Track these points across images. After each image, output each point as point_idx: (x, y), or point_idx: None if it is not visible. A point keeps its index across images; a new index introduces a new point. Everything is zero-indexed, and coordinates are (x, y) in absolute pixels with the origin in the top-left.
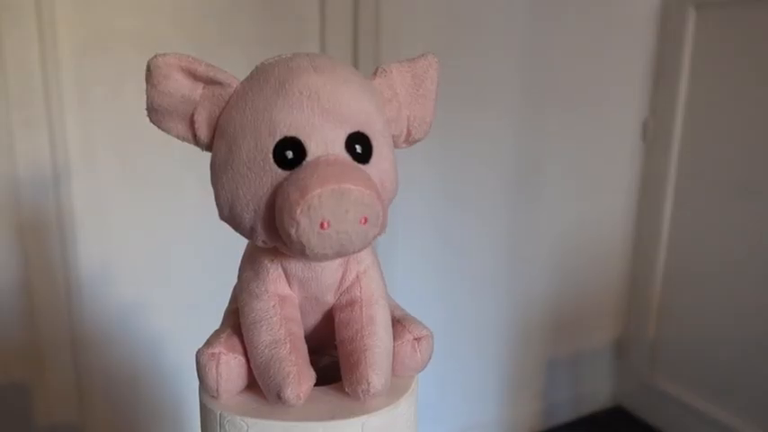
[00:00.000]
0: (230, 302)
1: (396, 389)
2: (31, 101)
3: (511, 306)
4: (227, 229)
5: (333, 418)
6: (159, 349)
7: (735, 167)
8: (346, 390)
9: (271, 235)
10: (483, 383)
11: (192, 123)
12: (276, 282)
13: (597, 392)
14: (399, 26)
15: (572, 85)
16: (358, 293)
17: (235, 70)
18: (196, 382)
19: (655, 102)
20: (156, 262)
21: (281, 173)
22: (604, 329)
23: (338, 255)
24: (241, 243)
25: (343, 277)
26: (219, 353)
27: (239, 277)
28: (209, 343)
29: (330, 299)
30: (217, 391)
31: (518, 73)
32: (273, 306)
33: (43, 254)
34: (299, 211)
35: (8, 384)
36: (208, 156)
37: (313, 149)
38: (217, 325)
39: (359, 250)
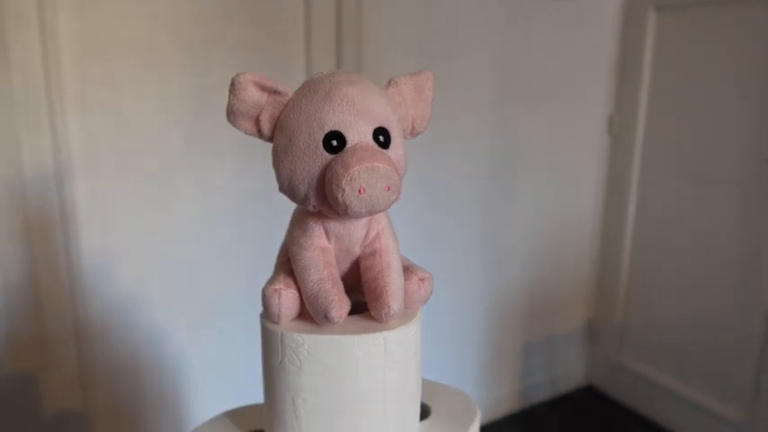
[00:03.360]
0: (279, 257)
1: (407, 315)
2: (34, 105)
3: (488, 294)
4: (222, 225)
5: (365, 332)
6: (160, 340)
7: (694, 159)
8: (372, 314)
9: (320, 201)
10: (462, 367)
11: (257, 122)
12: (319, 237)
13: (570, 374)
14: (380, 31)
15: (542, 84)
16: (378, 246)
17: (225, 72)
18: (197, 370)
19: (619, 98)
20: (155, 257)
21: (328, 156)
22: (576, 314)
23: (369, 213)
24: (236, 239)
25: (367, 233)
26: (280, 288)
27: (289, 235)
28: (270, 282)
29: (357, 250)
30: (278, 317)
31: (491, 74)
32: (318, 254)
33: (48, 250)
34: (344, 182)
35: (15, 375)
36: (202, 157)
37: (351, 139)
38: (214, 317)
39: (384, 210)
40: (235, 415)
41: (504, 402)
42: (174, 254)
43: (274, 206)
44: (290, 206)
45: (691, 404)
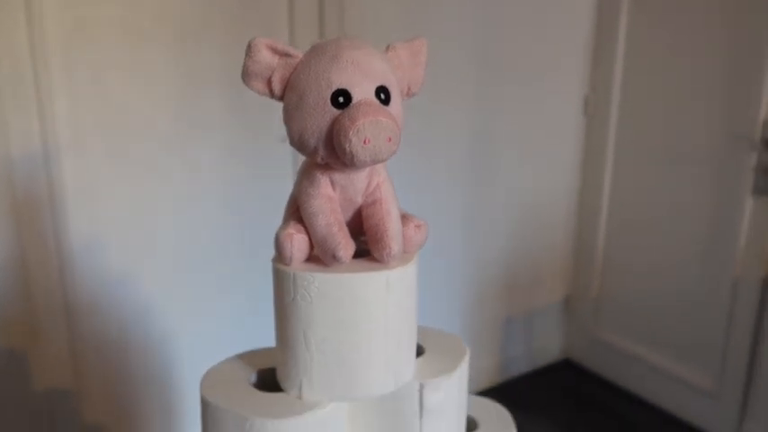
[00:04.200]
0: (288, 208)
1: (405, 258)
2: (20, 85)
3: (468, 270)
4: (210, 205)
5: (368, 271)
6: (148, 316)
7: (667, 137)
8: (375, 256)
9: (328, 152)
10: None
11: (269, 83)
12: (326, 187)
13: (548, 347)
14: (362, 12)
15: (518, 66)
16: (379, 195)
17: (211, 53)
18: (184, 347)
19: (594, 79)
20: (144, 236)
21: (335, 111)
22: (553, 290)
23: (373, 162)
24: (223, 219)
25: (368, 184)
26: (292, 233)
27: (298, 187)
28: (283, 228)
29: (360, 200)
30: (291, 258)
31: (468, 56)
32: (325, 202)
33: (37, 228)
34: (351, 133)
35: (6, 352)
36: (190, 139)
37: (356, 96)
38: (202, 296)
39: (386, 159)
40: (245, 356)
41: (484, 375)
42: (162, 234)
43: (261, 187)
44: (276, 189)
45: (663, 373)
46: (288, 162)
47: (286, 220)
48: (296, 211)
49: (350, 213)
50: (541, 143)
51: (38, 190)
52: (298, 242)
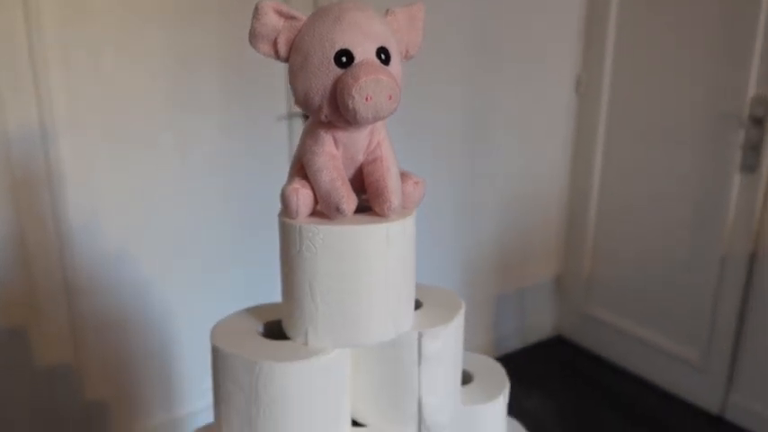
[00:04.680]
0: (292, 166)
1: (404, 213)
2: (18, 65)
3: (461, 249)
4: (207, 182)
5: (370, 224)
6: (147, 294)
7: (657, 116)
8: (376, 211)
9: (331, 109)
10: None
11: (275, 45)
12: (329, 145)
13: (540, 324)
14: None
15: (511, 45)
16: (379, 153)
17: (206, 31)
18: (183, 324)
19: (586, 59)
20: (142, 213)
21: (338, 71)
22: (545, 267)
23: (374, 118)
24: (221, 195)
25: (369, 142)
26: (298, 188)
27: (302, 145)
28: (288, 184)
29: (361, 158)
30: (296, 212)
31: (464, 37)
32: (329, 159)
33: (35, 207)
34: (354, 90)
35: (7, 330)
36: (186, 116)
37: (358, 56)
38: (200, 272)
39: (386, 116)
40: (252, 310)
41: (478, 352)
42: (160, 211)
43: (258, 165)
44: (272, 167)
45: (652, 348)
46: (284, 140)
47: (291, 177)
48: (300, 169)
49: (351, 171)
50: (534, 123)
51: (36, 170)
52: (303, 197)
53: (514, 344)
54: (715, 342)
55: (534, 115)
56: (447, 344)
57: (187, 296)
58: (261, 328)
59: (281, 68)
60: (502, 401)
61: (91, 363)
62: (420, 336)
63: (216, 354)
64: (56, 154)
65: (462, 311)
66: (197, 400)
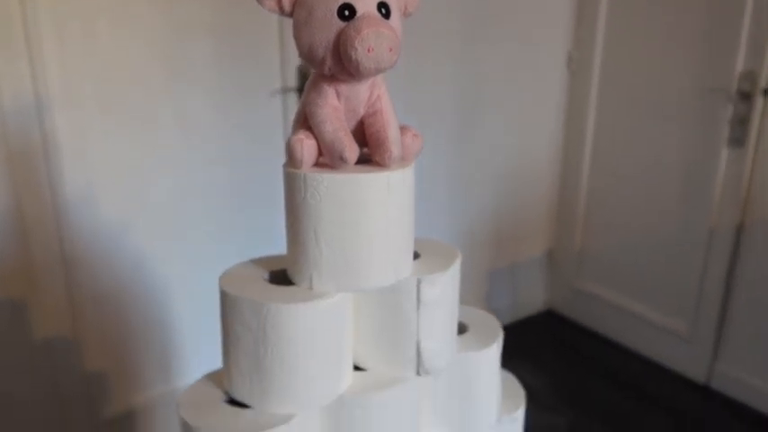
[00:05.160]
0: (296, 120)
1: (403, 164)
2: (12, 37)
3: (455, 224)
4: (204, 155)
5: (372, 172)
6: (144, 265)
7: (648, 92)
8: (377, 161)
9: (334, 61)
10: None
11: (279, 0)
12: (332, 98)
13: (532, 298)
14: None
15: (504, 22)
16: (379, 106)
17: (199, 7)
18: (180, 295)
19: (578, 36)
20: (137, 185)
21: (341, 24)
22: (537, 243)
23: (376, 70)
24: (218, 169)
25: (370, 95)
26: (303, 138)
27: (306, 98)
28: (293, 134)
29: (362, 110)
30: (301, 161)
31: (456, 13)
32: (332, 111)
33: (31, 179)
34: (356, 42)
35: (4, 302)
36: (182, 89)
37: (360, 9)
38: (197, 245)
39: (388, 68)
40: (257, 260)
41: None
42: (156, 184)
43: (255, 137)
44: (267, 138)
45: (641, 320)
46: (279, 114)
47: (295, 129)
48: (305, 121)
49: (353, 124)
50: (525, 99)
51: (32, 142)
52: (307, 147)
53: (506, 318)
54: (702, 313)
55: (526, 92)
56: (444, 290)
57: (184, 268)
58: (266, 276)
59: (275, 43)
60: (495, 349)
61: (89, 335)
62: (419, 282)
63: (225, 298)
64: (51, 126)
65: (459, 260)
66: (195, 371)
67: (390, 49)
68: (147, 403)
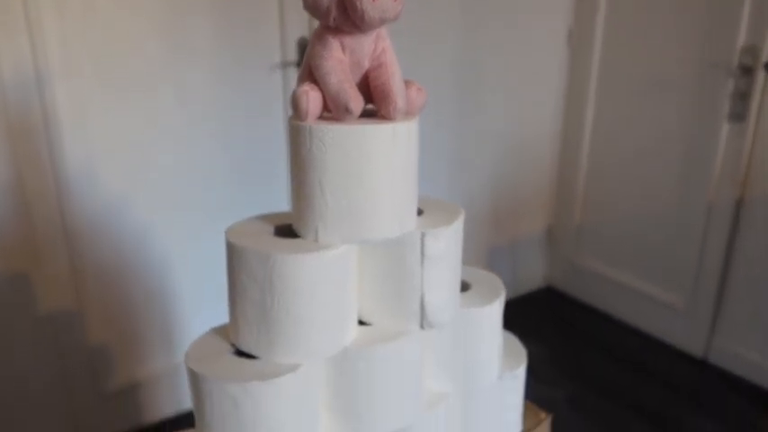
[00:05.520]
0: (301, 73)
1: (408, 117)
2: (10, 10)
3: (455, 201)
4: (204, 129)
5: (376, 123)
6: (146, 238)
7: (648, 67)
8: (381, 113)
9: (339, 12)
10: None
11: None
12: (337, 50)
13: (531, 275)
14: None
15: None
16: (384, 59)
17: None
18: (182, 268)
19: (578, 12)
20: (137, 160)
21: None
22: (537, 219)
23: (381, 20)
24: (218, 142)
25: (375, 48)
26: (308, 90)
27: (311, 51)
28: (298, 86)
29: (366, 64)
30: (306, 112)
31: None
32: (336, 63)
33: (32, 153)
34: None
35: (8, 275)
36: (181, 63)
37: None
38: (198, 218)
39: (392, 18)
40: (262, 217)
41: None
42: (157, 158)
43: (255, 111)
44: (266, 111)
45: (639, 295)
46: (279, 88)
47: (300, 81)
48: (310, 74)
49: (357, 77)
50: (526, 76)
51: (32, 116)
52: (313, 98)
53: (506, 294)
54: (700, 288)
55: (526, 68)
56: (448, 245)
57: (185, 242)
58: (272, 230)
59: (274, 17)
60: (498, 306)
61: (92, 308)
62: (423, 236)
63: (232, 250)
64: (51, 100)
65: (462, 217)
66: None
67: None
68: (151, 376)
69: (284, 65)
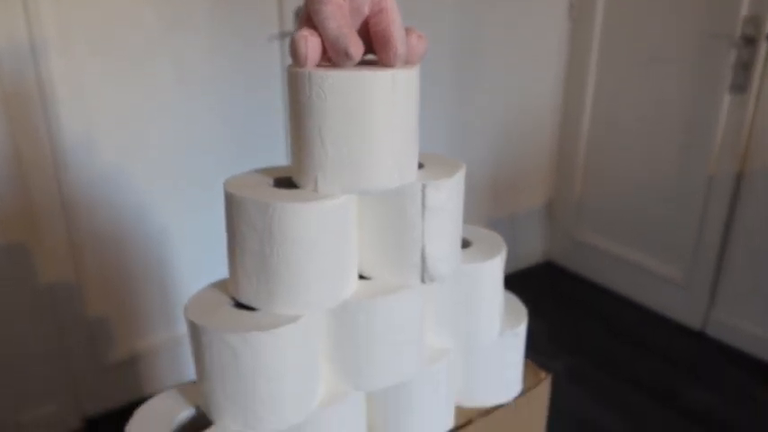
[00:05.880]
0: (300, 19)
1: (408, 65)
2: None
3: None
4: (200, 101)
5: (376, 70)
6: (144, 210)
7: (650, 38)
8: (382, 60)
9: None
10: None
11: None
12: None
13: (531, 250)
14: None
15: None
16: (385, 5)
17: None
18: (180, 239)
19: None
20: (134, 131)
21: None
22: (537, 193)
23: None
24: (214, 114)
25: None
26: (307, 35)
27: None
28: (297, 31)
29: (366, 10)
30: (305, 57)
31: None
32: (336, 8)
33: (28, 124)
34: None
35: (6, 248)
36: (177, 35)
37: None
38: (195, 190)
39: None
40: (260, 170)
41: None
42: (153, 130)
43: (252, 81)
44: (266, 82)
45: (638, 268)
46: (277, 59)
47: (299, 27)
48: (308, 20)
49: (357, 24)
50: (526, 47)
51: (27, 87)
52: (312, 43)
53: (505, 269)
54: (699, 260)
55: (526, 40)
56: (449, 197)
57: (184, 213)
58: (271, 182)
59: None
60: (499, 262)
61: (91, 280)
62: (424, 187)
63: (230, 201)
64: (47, 71)
65: (463, 170)
66: None
67: None
68: (151, 348)
69: (282, 36)
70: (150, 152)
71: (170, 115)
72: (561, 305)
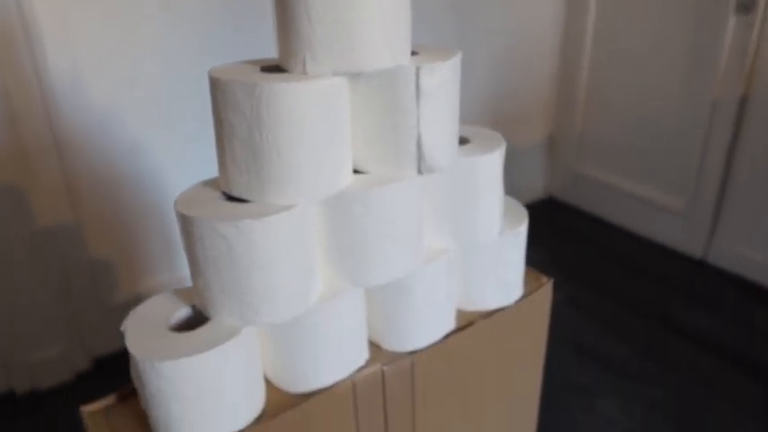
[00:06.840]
0: None
1: None
2: None
3: None
4: (188, 37)
5: None
6: (137, 152)
7: None
8: None
9: None
10: None
11: None
12: None
13: (532, 185)
14: None
15: None
16: None
17: None
18: (176, 176)
19: None
20: (123, 69)
21: None
22: (537, 128)
23: None
24: (204, 50)
25: None
26: None
27: None
28: None
29: None
30: None
31: None
32: None
33: (14, 62)
34: None
35: (1, 191)
36: None
37: None
38: (188, 124)
39: None
40: (248, 61)
41: None
42: (142, 68)
43: (241, 11)
44: (258, 23)
45: (641, 200)
46: None
47: None
48: None
49: None
50: None
51: (10, 22)
52: None
53: None
54: (701, 188)
55: None
56: (445, 81)
57: (177, 152)
58: (258, 69)
59: None
60: (498, 156)
61: (90, 222)
62: (418, 69)
63: (217, 86)
64: (29, 8)
65: (459, 56)
66: None
67: None
68: (155, 289)
69: None
70: (141, 93)
71: (160, 55)
72: (562, 238)
